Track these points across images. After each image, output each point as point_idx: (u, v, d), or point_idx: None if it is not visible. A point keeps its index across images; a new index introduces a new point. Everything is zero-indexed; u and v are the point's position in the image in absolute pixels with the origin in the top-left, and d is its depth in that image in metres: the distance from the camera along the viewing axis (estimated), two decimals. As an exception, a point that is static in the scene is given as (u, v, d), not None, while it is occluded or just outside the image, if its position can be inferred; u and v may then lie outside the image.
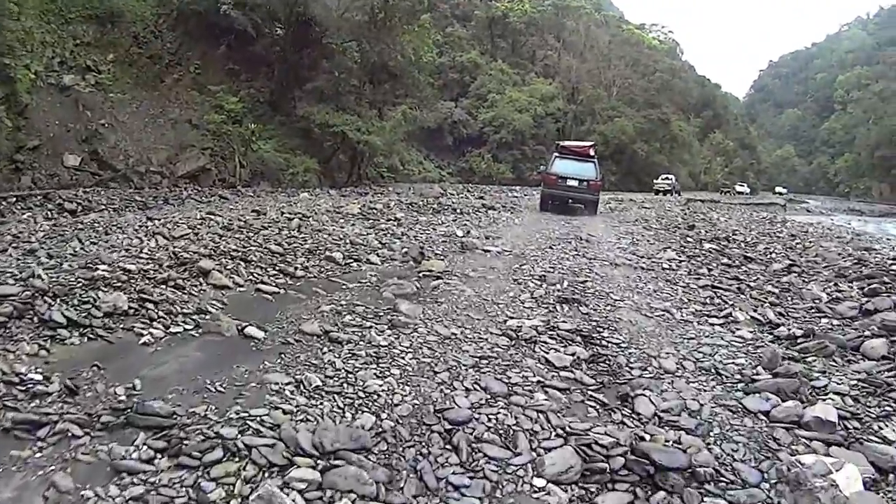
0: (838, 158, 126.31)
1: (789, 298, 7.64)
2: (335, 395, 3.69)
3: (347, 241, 8.70)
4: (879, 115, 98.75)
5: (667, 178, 53.82)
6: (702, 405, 3.96)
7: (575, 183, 19.99)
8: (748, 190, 69.68)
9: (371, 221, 11.41)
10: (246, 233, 8.80)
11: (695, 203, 33.70)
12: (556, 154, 21.70)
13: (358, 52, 33.40)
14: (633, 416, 3.82)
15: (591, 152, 21.75)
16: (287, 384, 3.81)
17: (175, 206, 17.31)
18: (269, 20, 27.86)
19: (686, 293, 7.38)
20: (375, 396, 3.71)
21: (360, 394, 3.74)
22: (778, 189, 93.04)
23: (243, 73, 27.39)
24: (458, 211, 14.96)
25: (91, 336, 4.49)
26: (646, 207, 23.88)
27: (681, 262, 9.69)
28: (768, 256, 11.34)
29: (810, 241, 13.97)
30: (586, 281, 7.36)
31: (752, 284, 8.20)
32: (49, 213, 12.33)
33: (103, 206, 15.34)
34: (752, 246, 12.68)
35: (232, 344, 4.62)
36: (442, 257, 8.30)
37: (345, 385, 3.86)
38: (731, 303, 7.01)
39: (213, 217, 11.10)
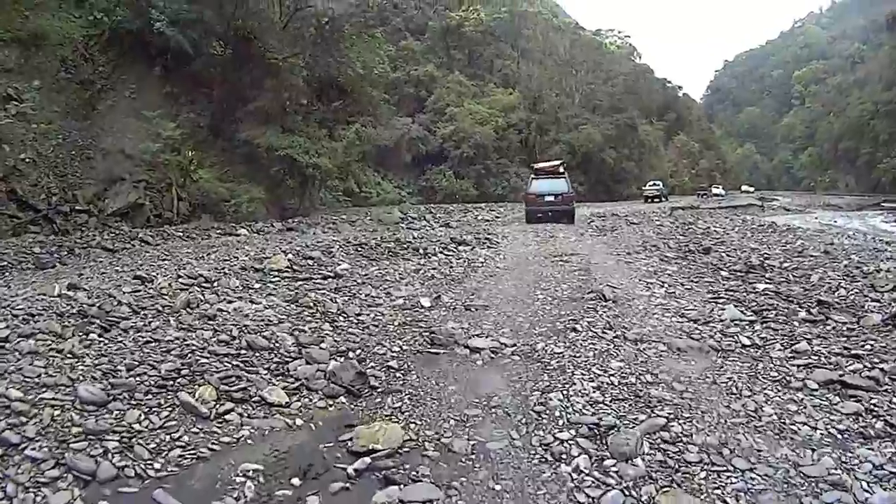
0: (800, 153, 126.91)
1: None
2: None
3: (243, 340, 5.31)
4: (841, 107, 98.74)
5: (655, 185, 53.81)
6: None
7: (552, 198, 23.20)
8: (724, 192, 69.04)
9: (299, 284, 8.05)
10: (88, 339, 5.46)
11: (678, 211, 31.15)
12: (533, 176, 24.93)
13: (304, 67, 31.04)
14: None
15: (561, 169, 25.19)
16: None
17: (80, 259, 14.31)
18: (206, 37, 25.93)
19: (828, 412, 4.29)
20: None
21: None
22: (744, 188, 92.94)
23: (182, 95, 25.39)
24: (422, 251, 11.55)
25: None
26: (634, 223, 20.84)
27: (753, 324, 6.61)
28: (838, 294, 8.38)
29: (865, 263, 11.07)
30: (670, 420, 4.01)
31: (884, 367, 5.18)
32: None
33: (-18, 268, 12.20)
34: (802, 277, 9.69)
35: None
36: (399, 379, 4.85)
37: None
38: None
39: (73, 294, 7.88)
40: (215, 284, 7.83)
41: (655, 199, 49.62)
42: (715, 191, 67.41)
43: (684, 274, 9.87)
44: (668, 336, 5.98)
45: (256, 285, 7.80)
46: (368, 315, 6.50)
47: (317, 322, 6.05)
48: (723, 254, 12.35)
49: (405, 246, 11.87)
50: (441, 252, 11.59)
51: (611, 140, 58.32)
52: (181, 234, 19.90)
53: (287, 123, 28.11)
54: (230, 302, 6.74)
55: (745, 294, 8.36)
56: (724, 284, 9.12)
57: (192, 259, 10.59)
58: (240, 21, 27.22)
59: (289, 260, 9.37)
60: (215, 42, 27.45)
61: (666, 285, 8.58)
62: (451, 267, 9.99)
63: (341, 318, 6.27)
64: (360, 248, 11.16)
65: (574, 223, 21.94)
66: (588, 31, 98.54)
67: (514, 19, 68.59)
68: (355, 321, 6.21)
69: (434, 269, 9.73)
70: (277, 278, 8.32)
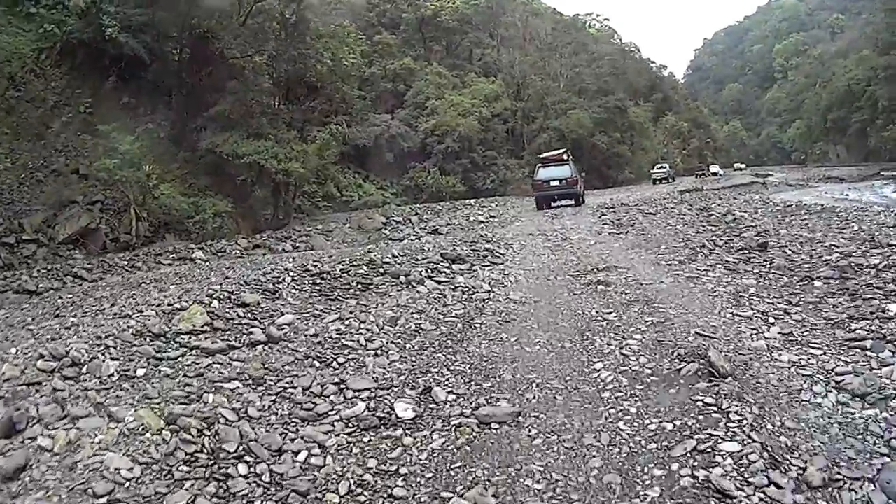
0: (787, 127, 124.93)
1: None
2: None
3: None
4: (826, 78, 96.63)
5: (662, 167, 55.45)
6: None
7: (557, 183, 25.55)
8: (722, 171, 67.01)
9: (206, 365, 5.11)
10: None
11: (686, 195, 28.50)
12: (539, 165, 27.31)
13: (268, 64, 28.48)
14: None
15: (565, 157, 27.50)
16: None
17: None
18: (161, 41, 24.43)
19: None
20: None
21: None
22: (737, 165, 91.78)
23: (140, 106, 23.99)
24: (404, 278, 8.51)
25: None
26: (650, 213, 17.97)
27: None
28: None
29: None
30: None
31: None
32: None
33: None
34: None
35: None
36: None
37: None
38: None
39: None
40: (82, 371, 4.94)
41: (663, 181, 51.10)
42: (713, 170, 65.73)
43: (772, 291, 7.01)
44: (860, 453, 3.13)
45: (139, 371, 4.86)
46: (295, 456, 3.41)
47: (193, 484, 3.10)
48: (786, 251, 9.61)
49: (381, 271, 8.86)
50: (429, 278, 8.57)
51: (601, 124, 55.31)
52: (126, 262, 17.05)
53: (252, 127, 25.66)
54: (72, 422, 3.83)
55: (878, 323, 5.52)
56: (832, 304, 6.31)
57: (89, 316, 7.59)
58: (195, 20, 24.85)
59: (210, 313, 6.43)
60: (171, 46, 25.47)
61: (769, 319, 5.73)
62: (446, 305, 6.96)
63: (242, 466, 3.23)
64: (318, 281, 8.14)
65: (581, 205, 24.34)
66: (566, 17, 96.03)
67: (492, 5, 65.63)
68: (266, 479, 3.21)
69: (420, 312, 6.67)
70: (182, 350, 5.38)
